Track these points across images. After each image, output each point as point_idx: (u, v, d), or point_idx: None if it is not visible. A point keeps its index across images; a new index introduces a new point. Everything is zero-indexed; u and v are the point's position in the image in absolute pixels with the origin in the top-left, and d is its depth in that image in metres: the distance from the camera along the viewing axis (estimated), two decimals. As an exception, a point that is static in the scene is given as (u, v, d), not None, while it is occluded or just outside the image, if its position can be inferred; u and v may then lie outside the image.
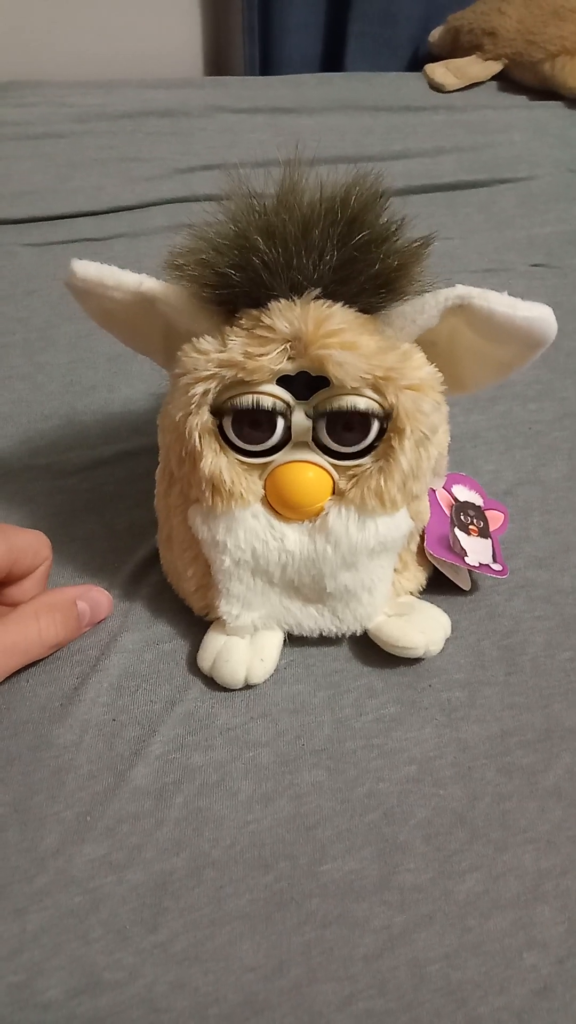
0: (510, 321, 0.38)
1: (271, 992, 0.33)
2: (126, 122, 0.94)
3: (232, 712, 0.42)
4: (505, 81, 1.07)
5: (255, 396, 0.37)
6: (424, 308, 0.38)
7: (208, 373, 0.37)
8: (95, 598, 0.44)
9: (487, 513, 0.49)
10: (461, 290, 0.38)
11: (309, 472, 0.39)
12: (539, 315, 0.38)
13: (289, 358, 0.37)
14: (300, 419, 0.38)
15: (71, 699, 0.42)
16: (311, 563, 0.40)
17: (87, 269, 0.40)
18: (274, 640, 0.43)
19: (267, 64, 1.15)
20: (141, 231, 0.79)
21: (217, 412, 0.38)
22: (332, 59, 1.17)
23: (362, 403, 0.37)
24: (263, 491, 0.40)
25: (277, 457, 0.39)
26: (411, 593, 0.46)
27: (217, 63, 1.22)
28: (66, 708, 0.42)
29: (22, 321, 0.68)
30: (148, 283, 0.40)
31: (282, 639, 0.44)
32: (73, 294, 0.42)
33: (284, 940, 0.35)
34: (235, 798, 0.39)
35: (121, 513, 0.52)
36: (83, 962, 0.34)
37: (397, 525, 0.41)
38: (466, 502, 0.49)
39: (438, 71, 1.05)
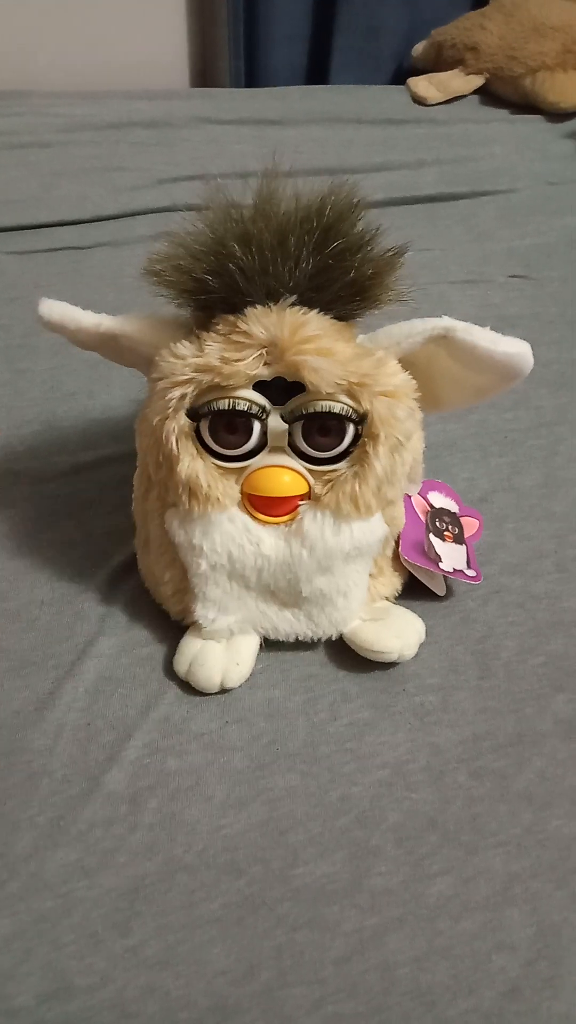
0: (490, 355, 0.39)
1: (242, 996, 0.33)
2: (111, 132, 0.94)
3: (207, 717, 0.42)
4: (486, 95, 1.09)
5: (231, 399, 0.38)
6: (411, 332, 0.39)
7: (185, 378, 0.38)
8: None
9: (462, 520, 0.50)
10: (447, 322, 0.39)
11: (285, 476, 0.39)
12: (518, 351, 0.39)
13: (265, 363, 0.38)
14: (276, 423, 0.39)
15: (46, 704, 0.42)
16: (287, 567, 0.40)
17: (51, 312, 0.42)
18: (250, 644, 0.43)
19: (252, 76, 1.16)
20: (124, 240, 0.79)
21: (194, 416, 0.39)
22: (317, 72, 1.18)
23: (337, 407, 0.38)
24: (240, 495, 0.40)
25: (254, 462, 0.40)
26: (386, 598, 0.46)
27: (203, 75, 1.22)
28: (41, 713, 0.42)
29: (4, 328, 0.68)
30: (106, 323, 0.41)
31: (258, 643, 0.44)
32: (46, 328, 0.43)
33: (255, 944, 0.35)
34: (209, 803, 0.39)
35: (99, 518, 0.52)
36: (54, 967, 0.34)
37: (372, 530, 0.41)
38: (441, 508, 0.49)
39: (421, 84, 1.06)
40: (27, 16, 1.05)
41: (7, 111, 0.95)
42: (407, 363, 0.40)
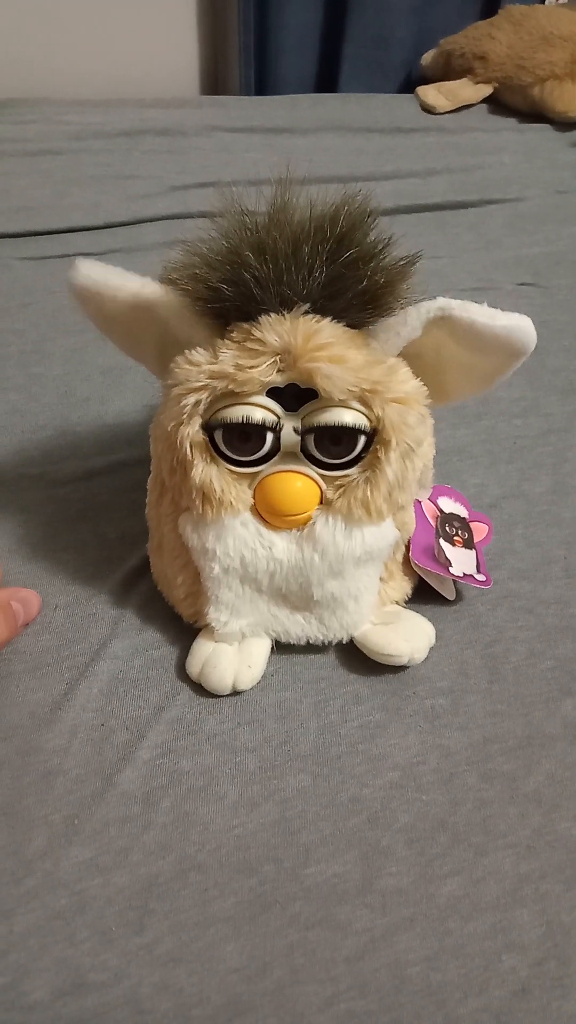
0: (490, 331, 0.39)
1: (254, 993, 0.34)
2: (123, 140, 0.95)
3: (219, 718, 0.43)
4: (495, 104, 1.10)
5: (245, 411, 0.38)
6: (407, 320, 0.39)
7: (200, 384, 0.38)
8: (25, 597, 0.46)
9: (472, 525, 0.50)
10: (442, 302, 0.39)
11: (297, 482, 0.40)
12: (518, 324, 0.39)
13: (279, 370, 0.38)
14: (289, 431, 0.39)
15: (60, 704, 0.43)
16: (299, 571, 0.41)
17: (91, 270, 0.40)
18: (262, 647, 0.44)
19: (263, 85, 1.17)
20: (136, 247, 0.80)
21: (208, 423, 0.39)
22: (326, 80, 1.19)
23: (349, 416, 0.38)
24: (252, 500, 0.41)
25: (266, 467, 0.40)
26: (397, 602, 0.46)
27: (214, 83, 1.24)
28: (55, 713, 0.42)
29: (18, 333, 0.69)
30: (150, 287, 0.40)
31: (270, 646, 0.44)
32: (75, 296, 0.42)
33: (268, 942, 0.35)
34: (221, 802, 0.39)
35: (113, 522, 0.53)
36: (69, 964, 0.34)
37: (383, 535, 0.41)
38: (451, 514, 0.50)
39: (430, 93, 1.07)
40: (39, 24, 1.06)
41: (20, 119, 0.96)
42: (415, 356, 0.41)
